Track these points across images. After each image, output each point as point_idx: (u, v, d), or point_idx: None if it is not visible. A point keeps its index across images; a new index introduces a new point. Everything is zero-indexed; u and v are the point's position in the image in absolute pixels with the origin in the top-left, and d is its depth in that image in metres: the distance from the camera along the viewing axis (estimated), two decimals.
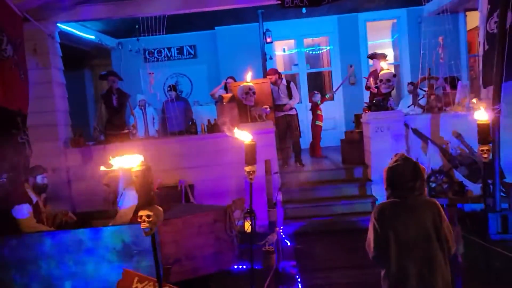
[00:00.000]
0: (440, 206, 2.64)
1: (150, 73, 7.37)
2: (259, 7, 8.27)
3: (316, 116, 8.44)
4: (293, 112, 7.56)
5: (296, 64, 10.27)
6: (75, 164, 7.01)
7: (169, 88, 8.74)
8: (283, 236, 6.26)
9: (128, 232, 4.29)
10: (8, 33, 5.52)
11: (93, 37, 8.93)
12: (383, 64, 6.83)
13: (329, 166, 7.52)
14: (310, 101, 8.63)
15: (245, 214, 6.34)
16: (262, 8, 8.33)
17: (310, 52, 10.47)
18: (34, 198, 4.81)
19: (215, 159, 6.93)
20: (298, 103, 8.10)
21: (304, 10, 8.23)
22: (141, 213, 1.80)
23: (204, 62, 10.49)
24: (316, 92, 8.71)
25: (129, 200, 4.80)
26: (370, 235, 2.66)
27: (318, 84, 11.06)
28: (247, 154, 2.96)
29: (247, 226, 6.15)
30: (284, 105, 7.44)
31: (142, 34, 8.94)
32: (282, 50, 10.36)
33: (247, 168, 2.94)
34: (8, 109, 5.57)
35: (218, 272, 4.57)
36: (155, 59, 10.52)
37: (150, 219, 1.77)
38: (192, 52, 10.54)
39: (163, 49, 10.48)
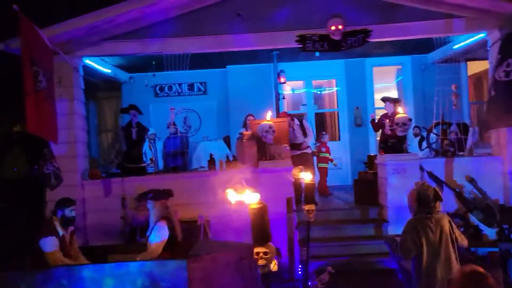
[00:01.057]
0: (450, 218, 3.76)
1: (171, 109, 7.51)
2: (274, 48, 8.58)
3: (318, 159, 8.66)
4: (308, 150, 7.74)
5: (304, 104, 10.54)
6: (91, 196, 6.99)
7: (168, 125, 8.90)
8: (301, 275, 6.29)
9: (158, 267, 4.25)
10: (42, 66, 5.66)
11: (109, 71, 9.08)
12: (399, 108, 7.10)
13: (342, 206, 7.63)
14: (319, 141, 8.85)
15: None
16: (277, 50, 8.65)
17: (318, 93, 10.78)
18: (61, 231, 4.80)
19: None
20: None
21: (317, 53, 8.59)
22: (257, 249, 1.88)
23: (214, 99, 10.70)
24: (324, 133, 8.93)
25: (160, 234, 4.83)
26: (404, 241, 3.65)
27: (323, 124, 11.34)
28: (307, 193, 3.05)
29: (273, 265, 6.17)
30: (301, 144, 7.61)
31: (154, 70, 9.32)
32: (290, 90, 10.64)
33: (307, 207, 3.02)
34: (37, 141, 5.65)
35: None
36: (166, 94, 10.70)
37: (267, 256, 1.84)
38: (203, 89, 10.76)
39: (174, 84, 10.68)
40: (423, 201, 3.68)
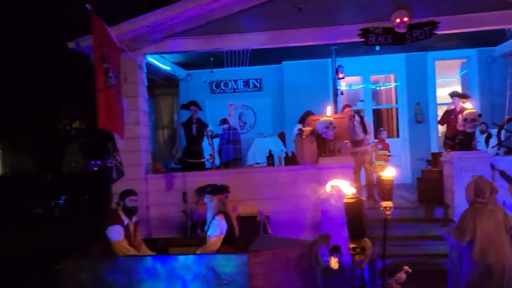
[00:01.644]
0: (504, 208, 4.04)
1: (230, 105, 7.57)
2: (333, 43, 8.42)
3: (376, 156, 8.40)
4: (368, 147, 7.54)
5: (362, 100, 10.30)
6: (154, 190, 7.18)
7: (221, 122, 8.98)
8: (363, 274, 6.13)
9: (220, 261, 4.32)
10: (112, 63, 5.85)
11: (168, 68, 9.29)
12: (467, 104, 6.76)
13: (404, 205, 7.38)
14: (376, 137, 8.60)
15: (330, 250, 6.28)
16: (336, 44, 8.48)
17: (376, 88, 10.50)
18: (126, 220, 4.96)
19: (291, 191, 6.92)
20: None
21: (377, 47, 8.34)
22: (353, 245, 1.82)
23: (269, 95, 10.69)
24: (382, 129, 8.67)
25: (218, 228, 4.86)
26: (461, 226, 3.92)
27: (379, 121, 11.03)
28: (385, 189, 2.94)
29: (334, 263, 6.08)
30: (362, 140, 7.44)
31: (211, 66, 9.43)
32: (347, 86, 10.42)
33: (384, 204, 2.91)
34: (102, 136, 5.86)
35: None
36: (222, 91, 10.81)
37: (365, 252, 1.77)
38: (258, 85, 10.77)
39: (230, 81, 10.77)
40: (479, 192, 3.96)
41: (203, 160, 7.56)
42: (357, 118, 7.66)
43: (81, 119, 35.14)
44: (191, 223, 6.81)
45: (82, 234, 5.22)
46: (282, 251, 4.44)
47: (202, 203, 6.72)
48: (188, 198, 6.99)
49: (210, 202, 4.98)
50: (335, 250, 6.18)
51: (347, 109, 7.66)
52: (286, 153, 7.42)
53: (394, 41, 6.70)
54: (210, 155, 7.47)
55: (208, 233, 4.87)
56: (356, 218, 1.82)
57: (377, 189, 7.50)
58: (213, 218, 4.89)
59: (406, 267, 3.35)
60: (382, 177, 2.99)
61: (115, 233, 4.78)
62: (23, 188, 16.23)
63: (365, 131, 7.56)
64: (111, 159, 6.17)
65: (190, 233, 6.62)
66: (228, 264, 4.28)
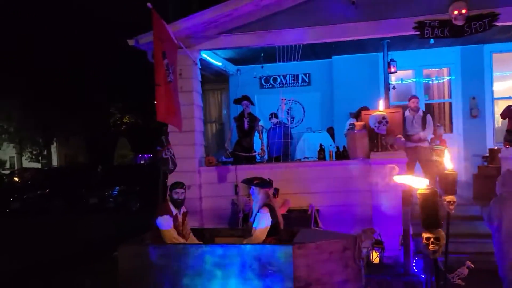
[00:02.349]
0: None
1: (282, 99, 7.66)
2: (385, 37, 8.30)
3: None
4: (425, 144, 7.39)
5: (413, 95, 10.07)
6: (207, 182, 7.41)
7: (270, 116, 9.04)
8: (416, 270, 6.08)
9: (265, 252, 4.44)
10: (170, 59, 6.09)
11: (220, 63, 9.49)
12: None
13: (458, 201, 7.18)
14: (434, 133, 8.40)
15: (374, 244, 6.27)
16: (388, 38, 8.36)
17: (429, 82, 10.25)
18: (174, 211, 5.17)
19: (342, 186, 6.96)
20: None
21: (432, 41, 8.15)
22: (427, 235, 1.87)
23: (318, 90, 10.68)
24: (439, 124, 8.47)
25: (263, 221, 4.98)
26: (490, 210, 4.67)
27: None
28: (448, 183, 2.93)
29: (375, 257, 6.08)
30: (418, 135, 7.30)
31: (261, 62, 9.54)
32: (398, 80, 10.22)
33: (447, 198, 2.90)
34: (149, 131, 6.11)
35: None
36: (270, 86, 10.91)
37: (439, 242, 1.82)
38: (307, 80, 10.79)
39: (279, 76, 10.85)
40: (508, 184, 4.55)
41: (254, 154, 7.70)
42: (420, 112, 7.51)
43: (131, 114, 36.53)
44: (242, 214, 6.99)
45: (134, 223, 5.50)
46: (326, 243, 4.52)
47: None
48: (240, 191, 7.17)
49: (257, 195, 5.11)
50: (378, 245, 6.21)
51: (413, 99, 7.53)
52: (337, 147, 7.43)
53: (452, 34, 6.54)
54: (261, 149, 7.59)
55: (254, 225, 5.02)
56: (431, 208, 1.86)
57: (439, 184, 7.36)
58: (258, 211, 5.04)
59: (468, 262, 3.32)
60: (446, 171, 2.98)
61: (165, 223, 5.00)
62: (78, 179, 17.13)
63: (423, 127, 7.40)
64: (166, 151, 6.44)
65: (242, 225, 6.79)
66: (273, 255, 4.40)
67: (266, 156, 8.38)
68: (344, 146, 7.27)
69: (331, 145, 9.16)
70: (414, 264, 6.09)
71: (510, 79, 10.06)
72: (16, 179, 22.84)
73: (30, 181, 19.08)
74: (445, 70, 10.10)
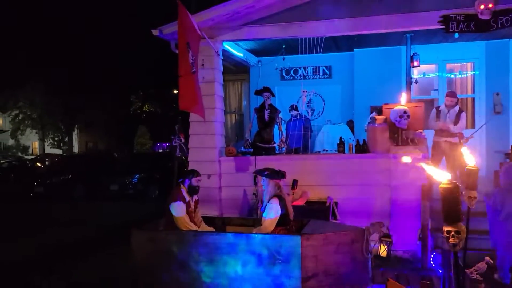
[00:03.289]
0: None
1: (303, 91, 7.69)
2: (409, 30, 8.23)
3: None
4: (455, 140, 7.29)
5: (436, 89, 9.97)
6: (226, 172, 7.51)
7: (290, 108, 9.06)
8: (433, 265, 6.10)
9: (273, 241, 4.54)
10: (193, 50, 6.18)
11: (241, 54, 9.54)
12: None
13: (479, 197, 7.13)
14: None
15: (382, 238, 6.32)
16: (412, 31, 8.28)
17: (452, 77, 10.12)
18: (187, 198, 5.29)
19: (360, 179, 6.98)
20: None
21: (456, 35, 8.04)
22: (448, 228, 1.92)
23: (339, 83, 10.65)
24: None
25: (273, 211, 5.04)
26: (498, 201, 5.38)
27: None
28: (469, 178, 2.95)
29: (382, 250, 6.12)
30: (448, 131, 7.22)
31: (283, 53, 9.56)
32: (420, 74, 10.12)
33: (469, 193, 2.92)
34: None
35: None
36: (291, 78, 10.93)
37: (460, 235, 1.87)
38: (328, 72, 10.77)
39: (300, 68, 10.85)
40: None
41: (274, 145, 7.76)
42: (456, 108, 7.41)
43: (151, 103, 36.92)
44: (261, 205, 7.07)
45: (153, 210, 5.66)
46: (334, 235, 4.60)
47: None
48: (259, 181, 7.22)
49: (267, 186, 5.20)
50: (386, 238, 6.26)
51: (449, 98, 7.41)
52: (357, 140, 7.43)
53: (477, 28, 6.45)
54: (281, 140, 7.65)
55: (264, 215, 5.11)
56: (453, 203, 1.90)
57: (459, 179, 7.32)
58: (268, 201, 5.12)
59: (487, 258, 3.34)
60: (468, 167, 3.00)
61: (178, 209, 5.14)
62: (100, 166, 17.49)
63: (456, 122, 7.29)
64: (176, 138, 6.59)
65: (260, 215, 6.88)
66: (281, 244, 4.50)
67: (284, 148, 8.44)
68: (364, 140, 7.27)
69: (350, 138, 9.17)
70: (431, 259, 6.13)
71: None
72: (39, 164, 23.42)
73: (53, 167, 19.55)
74: (469, 64, 9.95)
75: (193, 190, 5.40)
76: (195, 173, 5.46)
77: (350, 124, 10.22)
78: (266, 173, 5.23)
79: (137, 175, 15.47)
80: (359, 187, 6.98)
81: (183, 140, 6.70)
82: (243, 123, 11.71)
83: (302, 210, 6.58)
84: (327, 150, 9.18)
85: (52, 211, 12.36)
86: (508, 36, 9.07)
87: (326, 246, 4.51)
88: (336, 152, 7.54)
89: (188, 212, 5.29)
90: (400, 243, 6.58)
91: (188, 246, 4.79)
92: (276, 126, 7.87)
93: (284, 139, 7.73)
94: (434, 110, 7.69)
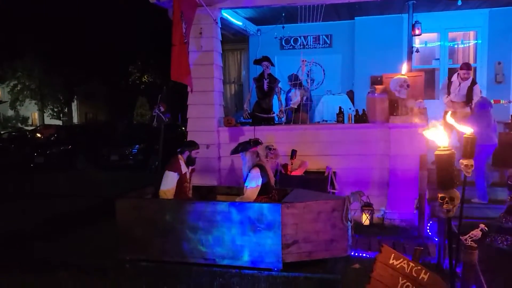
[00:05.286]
0: None
1: (302, 61, 7.59)
2: None
3: None
4: (467, 109, 7.21)
5: (437, 59, 9.86)
6: (225, 142, 7.51)
7: (290, 78, 8.95)
8: (430, 233, 6.18)
9: (254, 210, 4.69)
10: (187, 20, 6.07)
11: (240, 23, 9.38)
12: None
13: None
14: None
15: (363, 207, 6.43)
16: None
17: (454, 46, 9.98)
18: (184, 169, 5.41)
19: (359, 149, 6.98)
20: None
21: (459, 2, 7.89)
22: (442, 195, 1.93)
23: (339, 52, 10.51)
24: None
25: (254, 181, 5.18)
26: None
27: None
28: (467, 146, 2.94)
29: (365, 219, 6.22)
30: (459, 102, 7.11)
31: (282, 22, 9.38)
32: (422, 43, 9.96)
33: (465, 162, 2.91)
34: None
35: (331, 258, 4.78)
36: (291, 47, 10.78)
37: (453, 202, 1.88)
38: (328, 42, 10.61)
39: (299, 37, 10.68)
40: None
41: (273, 115, 7.73)
42: (468, 82, 7.20)
43: (150, 74, 36.60)
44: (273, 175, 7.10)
45: (153, 180, 5.74)
46: (315, 204, 4.73)
47: (271, 157, 6.99)
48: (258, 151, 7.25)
49: (245, 158, 5.34)
50: (367, 207, 6.37)
51: (464, 71, 7.13)
52: (357, 110, 7.40)
53: None
54: (280, 110, 7.61)
55: (245, 184, 5.26)
56: (447, 169, 1.90)
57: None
58: (249, 171, 5.25)
59: (482, 225, 3.37)
60: (465, 135, 2.99)
61: (170, 180, 5.28)
62: (99, 136, 17.47)
63: (468, 96, 7.13)
64: (156, 108, 6.59)
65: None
66: (262, 212, 4.65)
67: (283, 118, 8.41)
68: (363, 110, 7.23)
69: (350, 108, 9.12)
70: (428, 227, 6.21)
71: None
72: (39, 135, 23.43)
73: (53, 137, 19.54)
74: (472, 33, 9.80)
75: (191, 162, 5.53)
76: (195, 146, 5.56)
77: (350, 94, 10.14)
78: (240, 148, 5.38)
79: (137, 146, 15.47)
80: (357, 157, 6.99)
81: (162, 110, 6.69)
82: (242, 93, 11.64)
83: (301, 180, 6.63)
84: (326, 121, 9.15)
85: (52, 181, 12.44)
86: None
87: (306, 214, 4.67)
88: (335, 122, 7.50)
89: (184, 182, 5.40)
90: (398, 212, 6.66)
91: (171, 214, 4.95)
92: (275, 96, 7.82)
93: (283, 109, 7.69)
94: (445, 80, 7.56)
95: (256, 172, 5.21)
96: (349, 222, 4.79)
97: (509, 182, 5.75)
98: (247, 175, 5.30)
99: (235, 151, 5.50)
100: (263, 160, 5.49)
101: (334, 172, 7.00)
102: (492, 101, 7.17)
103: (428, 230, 6.16)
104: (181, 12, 5.92)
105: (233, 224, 4.73)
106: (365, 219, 6.38)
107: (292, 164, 6.95)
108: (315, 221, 4.69)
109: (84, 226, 6.94)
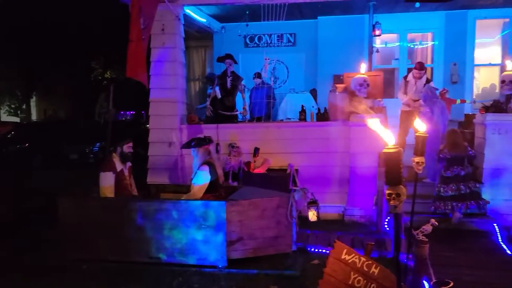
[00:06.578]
0: None
1: (266, 59, 7.63)
2: None
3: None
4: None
5: (397, 59, 10.14)
6: (188, 139, 7.44)
7: (254, 76, 9.02)
8: (388, 228, 6.36)
9: (200, 207, 4.71)
10: (147, 15, 5.98)
11: (204, 20, 9.32)
12: (508, 64, 6.62)
13: None
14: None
15: (308, 204, 6.58)
16: (374, 0, 8.31)
17: (412, 47, 10.29)
18: (120, 167, 5.28)
19: (321, 147, 7.09)
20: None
21: (417, 4, 8.14)
22: (389, 191, 1.99)
23: (303, 51, 10.63)
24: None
25: (202, 178, 5.19)
26: None
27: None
28: (418, 144, 3.06)
29: (311, 215, 6.37)
30: (416, 100, 7.35)
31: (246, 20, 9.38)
32: (382, 43, 10.22)
33: (416, 159, 3.03)
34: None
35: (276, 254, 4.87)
36: (255, 45, 10.81)
37: (400, 198, 1.95)
38: (292, 40, 10.71)
39: (264, 35, 10.73)
40: None
41: (236, 113, 7.74)
42: (422, 80, 7.44)
43: (113, 69, 35.73)
44: (222, 173, 7.10)
45: None
46: (260, 201, 4.83)
47: (234, 155, 7.01)
48: (221, 149, 7.25)
49: (196, 154, 5.33)
50: (312, 204, 6.53)
51: (417, 71, 7.40)
52: (318, 109, 7.52)
53: None
54: (244, 108, 7.62)
55: (193, 182, 5.25)
56: (394, 166, 1.97)
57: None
58: (198, 168, 5.25)
59: (432, 220, 3.52)
60: (416, 133, 3.10)
61: (106, 179, 5.15)
62: (59, 134, 16.91)
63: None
64: (100, 106, 6.45)
65: (222, 183, 6.91)
66: (207, 210, 4.69)
67: (248, 116, 8.43)
68: (325, 108, 7.35)
69: (313, 106, 9.25)
70: (386, 223, 6.38)
71: (491, 46, 10.17)
72: None
73: (9, 135, 18.79)
74: (429, 35, 10.14)
75: (125, 158, 5.36)
76: (125, 140, 5.39)
77: (313, 93, 10.28)
78: (193, 143, 5.36)
79: (98, 144, 15.09)
80: (319, 155, 7.09)
81: (109, 108, 6.57)
82: (207, 90, 11.56)
83: (263, 177, 6.67)
84: (290, 119, 9.24)
85: (7, 180, 11.96)
86: (467, 7, 9.27)
87: (251, 211, 4.75)
88: (298, 121, 7.58)
89: (122, 180, 5.28)
90: (358, 208, 6.81)
91: (115, 212, 4.91)
92: (239, 94, 7.82)
93: (246, 107, 7.70)
94: (402, 80, 7.81)
95: (205, 169, 5.21)
96: (293, 218, 4.89)
97: (440, 155, 6.29)
98: (196, 172, 5.29)
99: (187, 146, 5.47)
100: (213, 158, 5.50)
101: (296, 170, 7.08)
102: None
103: (386, 226, 6.33)
104: (140, 8, 5.82)
105: (177, 222, 4.72)
106: (312, 216, 6.48)
107: (255, 161, 6.97)
108: (260, 218, 4.78)
109: (29, 227, 6.69)
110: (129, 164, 5.47)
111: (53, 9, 25.92)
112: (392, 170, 1.97)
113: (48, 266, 4.85)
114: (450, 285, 2.90)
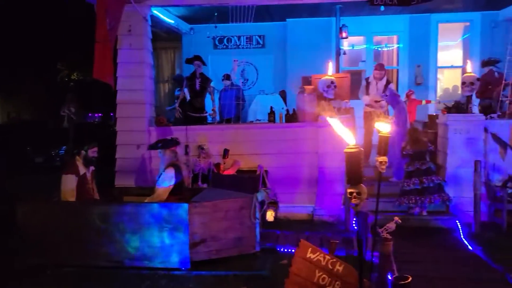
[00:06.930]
0: None
1: (234, 61, 7.64)
2: (338, 2, 8.39)
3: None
4: (383, 110, 7.59)
5: (364, 61, 10.34)
6: None
7: (223, 77, 9.04)
8: (356, 227, 6.47)
9: (163, 210, 4.72)
10: (113, 16, 5.91)
11: (172, 21, 9.24)
12: (468, 66, 6.87)
13: None
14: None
15: (269, 204, 6.67)
16: (341, 3, 8.45)
17: (378, 49, 10.52)
18: (83, 170, 5.22)
19: (290, 148, 7.17)
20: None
21: (382, 8, 8.31)
22: (351, 190, 2.04)
23: (272, 53, 10.68)
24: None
25: (166, 180, 5.19)
26: None
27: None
28: (381, 144, 3.14)
29: (269, 215, 6.47)
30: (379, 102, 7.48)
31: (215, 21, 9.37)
32: (349, 46, 10.42)
33: (380, 159, 3.11)
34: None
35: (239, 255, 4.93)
36: (224, 47, 10.80)
37: (360, 196, 1.99)
38: (261, 42, 10.75)
39: (233, 37, 10.72)
40: None
41: (205, 114, 7.72)
42: (383, 81, 7.56)
43: (79, 71, 34.91)
44: (192, 175, 7.07)
45: None
46: (223, 202, 4.88)
47: (203, 156, 6.99)
48: (190, 151, 7.21)
49: (163, 156, 5.33)
50: (272, 204, 6.64)
51: (377, 71, 7.50)
52: (287, 110, 7.59)
53: (400, 2, 6.75)
54: (213, 110, 7.61)
55: (157, 184, 5.24)
56: (355, 166, 2.03)
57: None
58: (163, 170, 5.24)
59: (396, 218, 3.61)
60: (380, 134, 3.18)
61: (68, 182, 5.09)
62: (23, 137, 16.39)
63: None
64: (64, 108, 6.35)
65: (192, 185, 6.89)
66: (170, 212, 4.69)
67: (217, 118, 8.43)
68: (293, 109, 7.42)
69: (283, 108, 9.32)
70: (354, 222, 6.49)
71: (453, 49, 10.52)
72: None
73: None
74: (395, 37, 10.39)
75: (89, 162, 5.30)
76: (90, 144, 5.33)
77: (283, 94, 10.34)
78: (159, 145, 5.35)
79: (64, 147, 14.72)
80: (288, 156, 7.16)
81: (73, 110, 6.45)
82: (175, 92, 11.47)
83: (233, 179, 6.67)
84: (260, 120, 9.27)
85: None
86: (430, 11, 9.54)
87: (214, 213, 4.78)
88: (267, 122, 7.63)
89: (85, 184, 5.21)
90: (326, 208, 6.91)
91: (75, 217, 4.84)
92: (208, 96, 7.81)
93: (216, 109, 7.69)
94: (364, 81, 7.97)
95: (170, 172, 5.19)
96: (257, 219, 4.93)
97: (404, 152, 6.55)
98: (161, 174, 5.26)
99: (154, 147, 5.43)
100: (179, 160, 5.48)
101: (266, 171, 7.12)
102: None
103: (354, 225, 6.44)
104: (106, 9, 5.75)
105: (139, 225, 4.69)
106: (269, 215, 6.55)
107: (224, 163, 6.97)
108: (224, 219, 4.80)
109: None
110: (92, 168, 5.39)
111: (16, 9, 25.11)
112: (353, 169, 2.02)
113: (15, 271, 4.72)
114: (408, 280, 2.98)
